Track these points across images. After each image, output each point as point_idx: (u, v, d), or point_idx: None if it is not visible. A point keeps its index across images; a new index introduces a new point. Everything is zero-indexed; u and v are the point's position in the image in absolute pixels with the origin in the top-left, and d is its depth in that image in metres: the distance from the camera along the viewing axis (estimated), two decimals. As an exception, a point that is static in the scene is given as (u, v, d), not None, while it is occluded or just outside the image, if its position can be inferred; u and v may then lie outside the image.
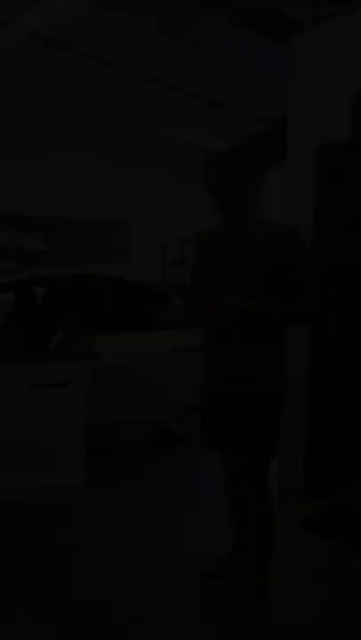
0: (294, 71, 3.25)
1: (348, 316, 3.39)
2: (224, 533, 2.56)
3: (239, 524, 2.48)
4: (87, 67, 4.88)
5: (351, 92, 2.94)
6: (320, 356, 3.31)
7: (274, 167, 5.22)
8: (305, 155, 3.18)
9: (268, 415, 2.07)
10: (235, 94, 5.62)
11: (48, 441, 2.59)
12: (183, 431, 4.30)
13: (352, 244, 3.39)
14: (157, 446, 4.16)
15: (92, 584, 2.45)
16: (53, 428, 2.56)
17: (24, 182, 5.51)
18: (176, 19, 3.47)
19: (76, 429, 2.50)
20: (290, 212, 3.26)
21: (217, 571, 2.48)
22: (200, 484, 3.54)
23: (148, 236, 6.79)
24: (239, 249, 2.03)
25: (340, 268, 3.27)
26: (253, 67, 4.11)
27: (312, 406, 3.30)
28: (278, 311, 2.01)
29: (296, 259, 1.99)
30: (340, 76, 3.00)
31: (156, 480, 3.59)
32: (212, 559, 2.53)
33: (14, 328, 3.43)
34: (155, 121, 6.44)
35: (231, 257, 2.05)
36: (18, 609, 2.27)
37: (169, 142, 6.41)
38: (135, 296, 3.94)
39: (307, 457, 3.31)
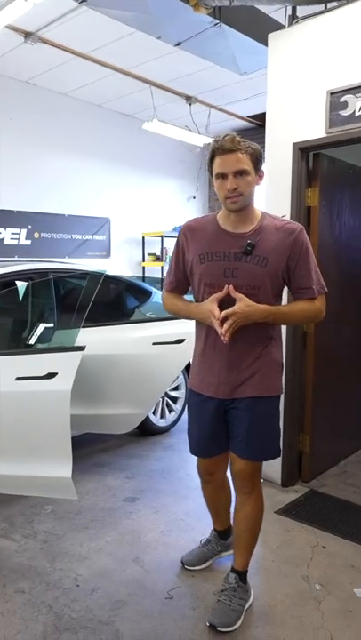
0: (271, 69, 3.31)
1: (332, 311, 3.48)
2: (204, 522, 2.64)
3: (219, 518, 2.55)
4: (67, 61, 4.88)
5: (327, 90, 3.02)
6: (294, 346, 3.39)
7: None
8: (283, 152, 3.25)
9: (274, 415, 2.15)
10: (214, 91, 5.66)
11: (34, 433, 2.61)
12: (164, 424, 4.37)
13: (330, 238, 3.49)
14: (138, 439, 4.22)
15: (73, 574, 2.50)
16: (40, 420, 2.58)
17: (4, 177, 5.47)
18: (156, 15, 3.50)
19: (62, 421, 2.53)
20: (268, 209, 3.32)
21: (198, 561, 2.54)
22: (182, 476, 3.61)
23: (127, 231, 6.81)
24: (250, 244, 1.97)
25: (321, 261, 3.36)
26: (233, 64, 4.15)
27: (289, 396, 3.38)
28: (296, 311, 2.07)
29: (306, 256, 2.03)
30: (317, 75, 3.08)
31: (138, 472, 3.65)
32: (195, 550, 2.59)
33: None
34: (135, 116, 6.48)
35: (239, 253, 1.98)
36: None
37: (149, 138, 6.44)
38: (117, 290, 3.98)
39: (285, 446, 3.40)
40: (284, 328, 3.27)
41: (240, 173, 1.90)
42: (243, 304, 1.91)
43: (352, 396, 3.99)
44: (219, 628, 2.08)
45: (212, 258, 2.01)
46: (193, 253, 2.07)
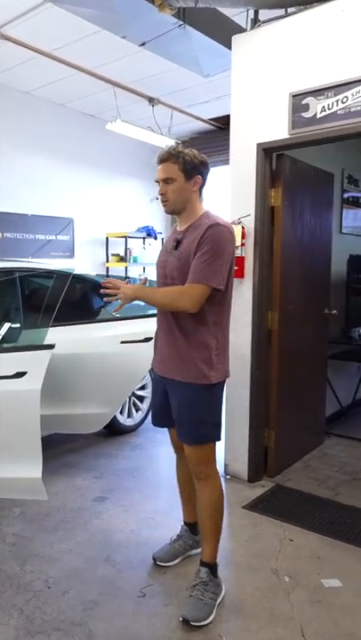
0: (235, 71, 3.37)
1: (295, 310, 3.57)
2: (174, 519, 2.65)
3: (190, 504, 2.58)
4: (29, 59, 4.81)
5: (289, 92, 3.09)
6: (259, 343, 3.45)
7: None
8: (247, 152, 3.30)
9: (206, 402, 2.20)
10: (177, 93, 5.69)
11: (3, 433, 2.57)
12: (131, 423, 4.37)
13: (293, 239, 3.56)
14: (106, 438, 4.20)
15: (44, 576, 2.47)
16: (9, 420, 2.54)
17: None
18: (121, 14, 3.50)
19: (32, 421, 2.49)
20: (234, 209, 3.38)
21: (169, 557, 2.56)
22: (151, 474, 3.62)
23: (91, 232, 6.76)
24: (176, 239, 2.23)
25: (285, 261, 3.44)
26: (196, 65, 4.19)
27: (254, 393, 3.44)
28: (160, 291, 2.19)
29: (204, 246, 2.08)
30: (280, 77, 3.14)
31: (107, 471, 3.63)
32: (166, 547, 2.60)
33: None
34: (98, 116, 6.44)
35: (172, 248, 2.24)
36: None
37: (112, 138, 6.42)
38: (84, 289, 3.95)
39: (250, 442, 3.46)
40: (247, 325, 3.35)
41: (167, 180, 2.16)
42: (126, 285, 2.18)
43: (314, 393, 4.09)
44: (192, 623, 2.11)
45: (161, 252, 2.35)
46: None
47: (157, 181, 2.21)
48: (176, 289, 2.13)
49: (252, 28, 3.31)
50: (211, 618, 2.15)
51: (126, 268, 6.93)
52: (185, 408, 2.20)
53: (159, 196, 2.23)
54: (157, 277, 2.33)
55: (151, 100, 5.89)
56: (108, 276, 6.64)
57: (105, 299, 2.26)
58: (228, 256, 2.12)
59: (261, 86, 3.23)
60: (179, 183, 2.15)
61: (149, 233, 7.11)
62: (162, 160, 2.17)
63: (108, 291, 2.19)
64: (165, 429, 2.51)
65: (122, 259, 6.92)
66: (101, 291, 2.19)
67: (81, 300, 3.95)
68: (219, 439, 2.26)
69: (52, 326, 2.86)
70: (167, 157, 2.15)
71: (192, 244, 2.12)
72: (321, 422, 4.26)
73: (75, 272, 3.62)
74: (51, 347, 2.57)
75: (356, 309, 4.82)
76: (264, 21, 3.26)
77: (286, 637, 2.06)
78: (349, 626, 2.13)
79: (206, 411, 2.20)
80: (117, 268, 6.99)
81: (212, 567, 2.29)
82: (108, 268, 6.97)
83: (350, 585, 2.40)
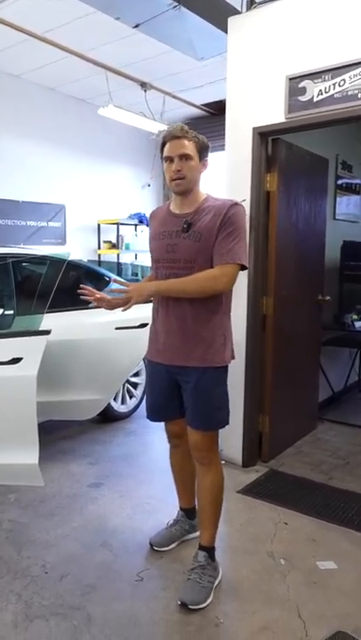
0: (231, 54, 3.33)
1: (290, 295, 3.57)
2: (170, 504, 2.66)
3: (185, 492, 2.59)
4: (20, 41, 4.73)
5: (286, 75, 3.06)
6: (254, 328, 3.45)
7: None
8: (243, 137, 3.27)
9: (220, 385, 2.22)
10: (169, 77, 5.63)
11: (0, 419, 2.56)
12: (125, 410, 4.37)
13: (288, 223, 3.55)
14: (100, 425, 4.20)
15: (41, 561, 2.47)
16: (5, 406, 2.53)
17: None
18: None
19: (28, 407, 2.48)
20: (229, 194, 3.35)
21: (166, 542, 2.57)
22: (145, 460, 3.63)
23: (83, 219, 6.70)
24: (187, 222, 2.13)
25: (280, 246, 3.43)
26: (191, 48, 4.14)
27: (249, 378, 3.45)
28: (189, 280, 2.08)
29: (228, 226, 2.08)
30: (276, 60, 3.11)
31: (102, 458, 3.63)
32: (162, 531, 2.61)
33: None
34: (89, 101, 6.36)
35: (179, 230, 2.15)
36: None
37: (104, 124, 6.35)
38: (77, 275, 3.92)
39: (244, 428, 3.48)
40: (242, 310, 3.34)
41: (184, 157, 2.09)
42: (136, 284, 2.16)
43: (307, 378, 4.11)
44: (190, 606, 2.12)
45: (159, 237, 2.23)
46: (150, 235, 2.33)
47: (168, 159, 2.11)
48: (207, 273, 2.07)
49: (248, 9, 3.27)
50: (208, 601, 2.16)
51: (118, 255, 6.89)
52: (202, 394, 2.17)
53: (170, 174, 2.11)
54: (159, 262, 2.21)
55: (143, 85, 5.83)
56: (99, 263, 6.61)
57: (112, 298, 2.18)
58: (246, 235, 2.17)
59: (258, 69, 3.20)
60: (195, 162, 2.11)
61: (141, 220, 7.07)
62: (177, 136, 2.08)
63: (115, 289, 2.15)
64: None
65: (114, 246, 6.88)
66: (109, 290, 2.15)
67: (75, 286, 3.91)
68: (228, 423, 2.28)
69: (46, 312, 2.83)
70: (184, 134, 2.08)
71: (213, 225, 2.08)
72: (314, 408, 4.29)
73: (66, 259, 3.58)
74: (46, 332, 2.55)
75: (349, 295, 4.83)
76: (260, 3, 3.21)
77: (283, 618, 2.09)
78: (345, 606, 2.16)
79: (222, 395, 2.23)
80: (109, 255, 6.95)
81: (210, 551, 2.30)
82: (99, 255, 6.93)
83: (345, 567, 2.43)
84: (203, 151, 2.14)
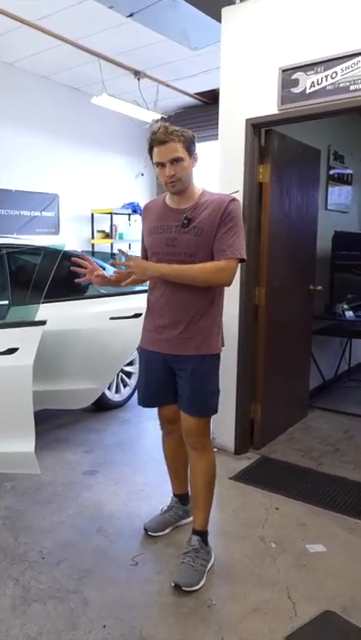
0: (225, 44, 3.33)
1: (282, 285, 3.61)
2: (164, 491, 2.72)
3: (178, 478, 2.66)
4: (12, 29, 4.69)
5: (279, 66, 3.07)
6: (247, 318, 3.50)
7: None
8: (236, 128, 3.29)
9: (215, 373, 2.31)
10: (163, 66, 5.61)
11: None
12: (119, 398, 4.42)
13: (281, 214, 3.59)
14: (94, 414, 4.25)
15: (38, 547, 2.53)
16: (1, 395, 2.56)
17: None
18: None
19: (24, 396, 2.52)
20: (222, 185, 3.38)
21: (160, 527, 2.63)
22: (140, 448, 3.68)
23: (76, 208, 6.69)
24: (187, 217, 2.18)
25: (272, 237, 3.46)
26: (185, 38, 4.13)
27: (241, 367, 3.50)
28: (194, 268, 2.13)
29: (229, 222, 2.15)
30: (269, 51, 3.12)
31: (96, 446, 3.68)
32: (157, 517, 2.67)
33: None
34: (82, 90, 6.33)
35: (179, 225, 2.19)
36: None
37: (97, 112, 6.33)
38: (71, 265, 3.93)
39: (237, 416, 3.53)
40: (235, 300, 3.38)
41: (175, 161, 2.11)
42: (139, 260, 2.21)
43: (298, 367, 4.17)
44: (183, 588, 2.18)
45: (157, 231, 2.25)
46: (146, 228, 2.35)
47: (159, 164, 2.13)
48: (212, 265, 2.12)
49: (242, 0, 3.26)
50: (201, 583, 2.22)
51: (112, 244, 6.90)
52: (198, 381, 2.24)
53: (165, 179, 2.14)
54: (158, 255, 2.23)
55: (137, 74, 5.80)
56: (93, 253, 6.61)
57: (115, 271, 2.25)
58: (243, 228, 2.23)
59: (251, 60, 3.21)
60: (186, 162, 2.13)
61: (135, 209, 7.07)
62: (163, 141, 2.09)
63: (118, 262, 2.18)
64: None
65: (107, 235, 6.88)
66: (111, 262, 2.20)
67: (68, 276, 3.93)
68: (217, 410, 2.35)
69: (39, 302, 2.86)
70: (169, 137, 2.08)
71: (213, 220, 2.14)
72: (305, 396, 4.36)
73: (62, 249, 3.60)
74: (42, 323, 2.58)
75: (340, 285, 4.88)
76: (254, -7, 3.21)
77: (273, 600, 2.15)
78: (333, 588, 2.23)
79: (215, 381, 2.31)
80: (103, 245, 6.96)
81: (203, 535, 2.37)
82: (93, 245, 6.93)
83: (334, 550, 2.50)
84: (191, 147, 2.15)
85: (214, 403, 2.31)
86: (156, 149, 2.12)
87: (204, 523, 2.37)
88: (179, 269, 2.12)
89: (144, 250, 2.42)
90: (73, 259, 2.25)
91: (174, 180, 2.13)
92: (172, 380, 2.34)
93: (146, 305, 2.38)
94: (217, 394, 2.32)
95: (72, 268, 2.25)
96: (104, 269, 4.14)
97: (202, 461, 2.34)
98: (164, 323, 2.26)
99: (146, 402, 2.49)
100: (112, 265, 2.20)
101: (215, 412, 2.33)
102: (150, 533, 2.60)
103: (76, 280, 2.29)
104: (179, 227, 2.19)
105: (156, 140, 2.10)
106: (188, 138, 2.14)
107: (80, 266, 2.32)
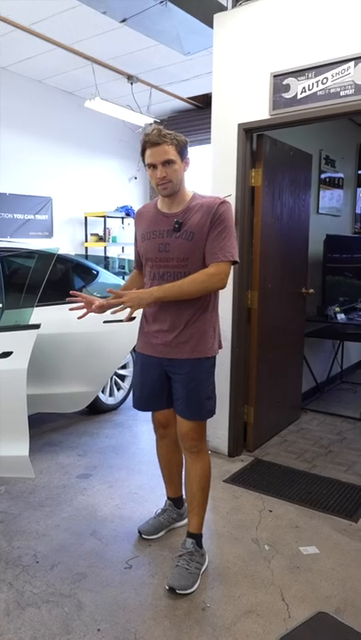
0: (217, 50, 3.35)
1: (273, 288, 3.63)
2: (158, 494, 2.72)
3: (172, 482, 2.67)
4: (6, 33, 4.70)
5: (271, 72, 3.10)
6: (240, 321, 3.52)
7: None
8: (228, 132, 3.31)
9: (210, 376, 2.31)
10: (156, 71, 5.63)
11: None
12: (112, 402, 4.42)
13: (272, 218, 3.61)
14: (88, 417, 4.25)
15: (32, 551, 2.53)
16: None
17: None
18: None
19: (18, 400, 2.52)
20: (215, 189, 3.40)
21: (154, 530, 2.63)
22: (134, 451, 3.69)
23: (70, 211, 6.70)
24: (178, 222, 2.19)
25: (265, 240, 3.48)
26: (177, 43, 4.15)
27: (234, 370, 3.51)
28: (185, 282, 2.12)
29: (220, 224, 2.16)
30: (261, 57, 3.15)
31: (90, 449, 3.69)
32: (151, 520, 2.68)
33: None
34: (76, 94, 6.34)
35: (170, 230, 2.21)
36: None
37: (90, 116, 6.34)
38: (65, 269, 3.95)
39: (230, 419, 3.55)
40: (228, 304, 3.40)
41: (167, 163, 2.13)
42: (132, 292, 2.12)
43: (291, 370, 4.19)
44: (178, 591, 2.19)
45: (150, 236, 2.28)
46: (139, 234, 2.36)
47: (151, 165, 2.14)
48: (203, 274, 2.12)
49: (234, 6, 3.30)
50: (196, 586, 2.23)
51: (105, 248, 6.91)
52: (195, 385, 2.25)
53: (156, 180, 2.15)
54: (152, 261, 2.26)
55: (130, 78, 5.82)
56: (86, 256, 6.62)
57: (111, 311, 2.21)
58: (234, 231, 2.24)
59: (243, 66, 3.23)
60: (177, 165, 2.15)
61: (128, 212, 7.08)
62: (156, 143, 2.10)
63: (112, 301, 2.13)
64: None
65: (101, 238, 6.89)
66: (108, 300, 2.17)
67: (62, 279, 3.95)
68: (215, 412, 2.36)
69: (33, 306, 2.87)
70: (162, 140, 2.10)
71: (203, 224, 2.16)
72: (298, 398, 4.38)
73: (55, 252, 3.60)
74: (36, 326, 2.59)
75: (332, 288, 4.91)
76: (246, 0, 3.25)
77: (267, 602, 2.16)
78: (326, 589, 2.24)
79: (211, 384, 2.32)
80: (96, 248, 6.96)
81: (197, 538, 2.37)
82: (86, 248, 6.94)
83: (327, 551, 2.52)
84: (183, 151, 2.17)
85: (210, 406, 2.31)
86: (148, 151, 2.14)
87: (198, 525, 2.38)
88: (172, 289, 2.11)
89: (137, 254, 2.44)
90: (68, 299, 2.21)
91: (165, 182, 2.14)
92: (167, 384, 2.35)
93: (141, 310, 2.36)
94: (213, 397, 2.32)
95: (70, 308, 2.24)
96: (97, 273, 4.20)
97: (197, 464, 2.35)
98: (158, 327, 2.28)
99: (141, 405, 2.48)
100: (108, 292, 2.17)
101: (211, 415, 2.33)
102: (144, 536, 2.60)
103: (78, 318, 2.26)
104: (170, 231, 2.20)
105: (149, 141, 2.12)
106: (181, 142, 2.16)
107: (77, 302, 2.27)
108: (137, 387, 2.48)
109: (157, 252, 2.23)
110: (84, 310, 2.26)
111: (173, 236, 2.20)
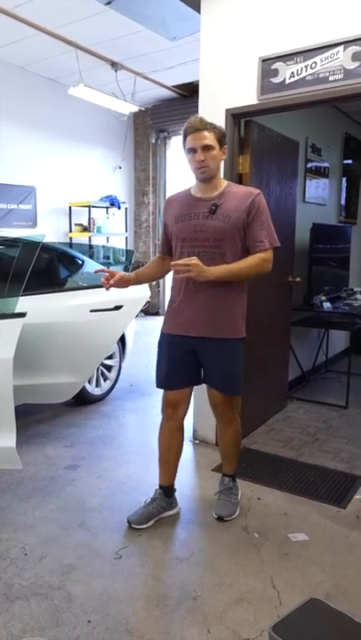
0: (204, 34, 3.30)
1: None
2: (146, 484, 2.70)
3: (168, 469, 2.69)
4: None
5: (259, 56, 3.06)
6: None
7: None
8: (216, 118, 3.26)
9: (240, 355, 2.54)
10: (140, 57, 5.56)
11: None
12: (99, 392, 4.39)
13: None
14: (74, 408, 4.22)
15: (20, 543, 2.50)
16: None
17: None
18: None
19: (4, 390, 2.47)
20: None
21: (144, 519, 2.61)
22: (121, 441, 3.67)
23: (54, 201, 6.61)
24: (215, 204, 2.36)
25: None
26: (163, 28, 4.09)
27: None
28: (242, 264, 2.34)
29: (260, 214, 2.38)
30: (249, 41, 3.11)
31: (77, 440, 3.66)
32: (140, 509, 2.66)
33: None
34: (59, 80, 6.24)
35: (206, 212, 2.37)
36: None
37: (74, 104, 6.25)
38: (50, 258, 3.89)
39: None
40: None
41: (207, 148, 2.30)
42: (199, 263, 2.26)
43: (278, 359, 4.19)
44: (226, 519, 2.62)
45: (184, 218, 2.44)
46: (170, 218, 2.52)
47: (191, 150, 2.30)
48: (256, 258, 2.36)
49: (220, -11, 3.24)
50: (237, 513, 2.67)
51: (90, 237, 6.84)
52: (228, 363, 2.48)
53: (195, 164, 2.31)
54: (185, 241, 2.40)
55: (114, 65, 5.75)
56: (70, 245, 6.55)
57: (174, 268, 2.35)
58: None
59: (231, 50, 3.19)
60: (216, 151, 2.32)
61: (113, 202, 7.02)
62: (199, 128, 2.28)
63: (180, 261, 2.28)
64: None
65: (85, 229, 6.82)
66: (172, 263, 2.33)
67: (48, 268, 3.89)
68: None
69: (19, 295, 2.81)
70: (203, 126, 2.28)
71: (238, 210, 2.34)
72: (284, 387, 4.39)
73: (40, 242, 3.55)
74: (22, 315, 2.54)
75: (318, 277, 4.92)
76: (232, -17, 3.19)
77: (257, 589, 2.16)
78: (316, 576, 2.25)
79: (241, 363, 2.54)
80: (81, 239, 6.89)
81: (233, 477, 2.78)
82: (71, 238, 6.86)
83: (316, 538, 2.53)
84: (222, 139, 2.35)
85: (240, 381, 2.55)
86: (189, 137, 2.30)
87: (233, 468, 2.77)
88: (230, 271, 2.31)
89: (164, 242, 2.61)
90: (96, 270, 2.39)
91: (204, 166, 2.31)
92: (192, 362, 2.51)
93: (171, 293, 2.55)
94: (241, 374, 2.54)
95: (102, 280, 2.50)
96: (82, 262, 4.14)
97: (230, 429, 2.67)
98: (193, 309, 2.43)
99: (166, 383, 2.58)
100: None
101: (241, 389, 2.58)
102: (134, 526, 2.58)
103: (106, 289, 2.50)
104: (206, 213, 2.36)
105: (191, 126, 2.30)
106: (220, 131, 2.35)
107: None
108: (162, 365, 2.57)
109: (193, 233, 2.39)
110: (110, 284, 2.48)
111: (209, 217, 2.36)
